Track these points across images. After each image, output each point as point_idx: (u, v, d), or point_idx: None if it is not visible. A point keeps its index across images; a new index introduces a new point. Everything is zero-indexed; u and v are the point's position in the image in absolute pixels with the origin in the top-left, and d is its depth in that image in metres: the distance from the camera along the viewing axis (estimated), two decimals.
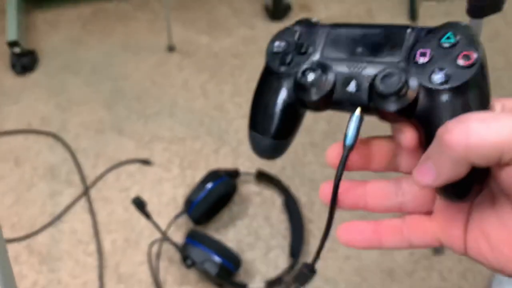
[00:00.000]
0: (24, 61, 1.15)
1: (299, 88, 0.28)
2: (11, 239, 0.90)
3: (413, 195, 0.28)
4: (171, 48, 1.21)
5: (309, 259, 0.87)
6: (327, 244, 0.28)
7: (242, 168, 0.97)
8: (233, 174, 0.95)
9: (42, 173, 1.00)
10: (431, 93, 0.25)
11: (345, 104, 0.27)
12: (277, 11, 1.28)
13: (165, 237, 0.86)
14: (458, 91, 0.24)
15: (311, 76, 0.27)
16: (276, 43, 0.31)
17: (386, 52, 0.27)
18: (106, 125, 1.08)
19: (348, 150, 0.27)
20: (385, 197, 0.28)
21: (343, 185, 0.28)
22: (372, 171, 0.29)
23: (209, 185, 0.89)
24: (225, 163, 1.01)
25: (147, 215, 0.80)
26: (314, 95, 0.28)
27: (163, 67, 1.19)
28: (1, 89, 1.14)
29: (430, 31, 0.26)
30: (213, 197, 0.89)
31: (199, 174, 0.98)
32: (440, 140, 0.22)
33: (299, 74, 0.28)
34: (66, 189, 0.98)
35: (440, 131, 0.22)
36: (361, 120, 0.27)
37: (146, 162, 1.01)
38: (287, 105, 0.30)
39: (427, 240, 0.27)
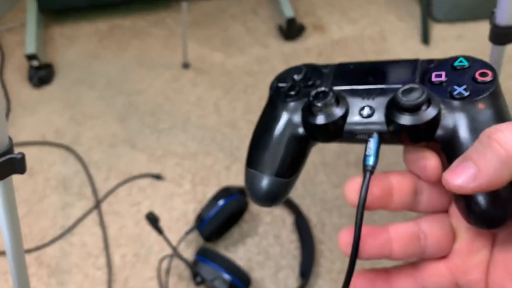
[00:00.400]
0: (41, 74, 1.17)
1: (308, 114, 0.26)
2: None
3: (434, 239, 0.25)
4: (185, 65, 1.23)
5: (319, 280, 0.86)
6: None
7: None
8: (245, 192, 0.95)
9: (55, 185, 1.01)
10: (454, 108, 0.23)
11: (359, 132, 0.25)
12: (290, 31, 1.29)
13: (175, 253, 0.85)
14: (482, 103, 0.23)
15: (321, 100, 0.25)
16: (282, 80, 0.30)
17: (399, 79, 0.26)
18: (119, 139, 1.09)
19: (370, 173, 0.24)
20: (410, 242, 0.25)
21: (363, 231, 0.25)
22: (391, 210, 0.27)
23: (221, 202, 0.89)
24: (236, 180, 1.01)
25: (159, 231, 0.80)
26: (325, 120, 0.26)
27: (177, 83, 1.20)
28: (18, 101, 1.15)
29: (441, 61, 0.26)
30: (224, 214, 0.89)
31: (210, 190, 0.98)
32: (488, 138, 0.20)
33: (310, 98, 0.26)
34: (77, 201, 0.98)
35: (488, 131, 0.21)
36: (379, 142, 0.25)
37: (157, 176, 1.01)
38: (293, 137, 0.28)
39: (443, 285, 0.25)
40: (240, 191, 0.93)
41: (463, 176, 0.20)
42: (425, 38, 1.28)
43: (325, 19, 1.37)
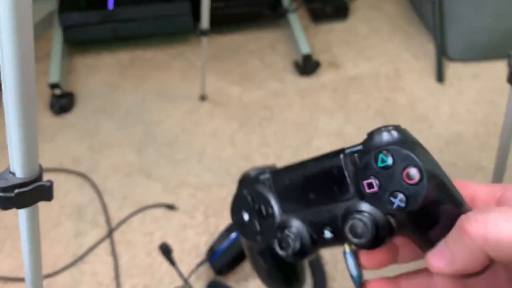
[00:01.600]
0: (63, 102, 1.20)
1: (286, 257, 0.29)
2: None
3: None
4: (203, 97, 1.25)
5: None
6: None
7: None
8: None
9: (69, 212, 1.01)
10: (402, 219, 0.25)
11: (332, 245, 0.28)
12: (306, 67, 1.32)
13: (186, 286, 0.84)
14: (424, 207, 0.24)
15: (288, 249, 0.28)
16: (238, 217, 0.32)
17: (336, 192, 0.27)
18: (135, 168, 1.10)
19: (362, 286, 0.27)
20: None
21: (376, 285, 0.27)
22: (399, 263, 0.28)
23: (233, 235, 0.89)
24: None
25: (172, 262, 0.80)
26: (299, 257, 0.28)
27: (194, 115, 1.22)
28: (39, 128, 1.17)
29: (362, 153, 0.25)
30: (236, 248, 0.88)
31: (223, 223, 0.98)
32: (460, 227, 0.22)
33: (277, 249, 0.29)
34: (91, 229, 0.98)
35: (461, 219, 0.22)
36: (355, 252, 0.27)
37: (171, 207, 1.02)
38: (273, 262, 0.32)
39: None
40: None
41: (440, 262, 0.23)
42: (440, 77, 1.29)
43: (340, 56, 1.39)
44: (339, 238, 0.27)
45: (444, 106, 1.24)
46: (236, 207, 0.32)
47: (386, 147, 0.24)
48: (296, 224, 0.28)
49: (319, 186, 0.27)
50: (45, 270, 0.92)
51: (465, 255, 0.22)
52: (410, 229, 0.25)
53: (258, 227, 0.30)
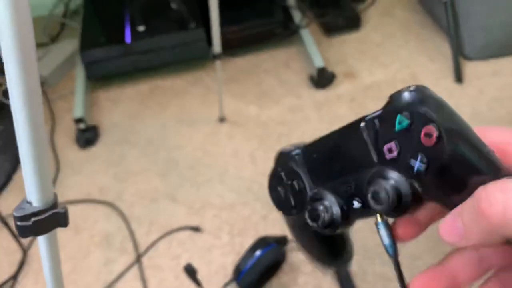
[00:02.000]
0: (87, 136, 1.24)
1: (318, 229, 0.29)
2: None
3: (499, 256, 0.25)
4: (222, 119, 1.27)
5: None
6: None
7: (291, 235, 0.95)
8: (282, 241, 0.94)
9: (99, 241, 1.04)
10: (426, 183, 0.23)
11: (363, 216, 0.28)
12: (321, 80, 1.32)
13: None
14: (447, 168, 0.22)
15: (318, 219, 0.28)
16: (274, 193, 0.33)
17: (360, 161, 0.26)
18: (160, 193, 1.12)
19: (396, 259, 0.27)
20: (473, 267, 0.26)
21: (424, 279, 0.26)
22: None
23: (258, 253, 0.88)
24: (273, 229, 1.00)
25: (198, 283, 0.80)
26: (331, 229, 0.28)
27: (214, 137, 1.24)
28: (66, 162, 1.23)
29: (381, 118, 0.25)
30: (262, 265, 0.88)
31: (248, 242, 0.98)
32: (477, 205, 0.20)
33: (309, 221, 0.29)
34: (119, 257, 1.01)
35: (479, 195, 0.20)
36: (386, 223, 0.27)
37: (196, 229, 1.03)
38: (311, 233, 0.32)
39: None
40: (277, 241, 0.92)
41: (452, 237, 0.22)
42: (458, 77, 1.27)
43: (355, 66, 1.39)
44: (367, 208, 0.26)
45: (465, 106, 1.21)
46: (272, 184, 0.33)
47: (404, 108, 0.23)
48: (326, 196, 0.28)
49: (343, 156, 0.27)
50: None
51: (480, 234, 0.20)
52: (436, 195, 0.23)
53: (292, 201, 0.31)
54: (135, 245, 1.02)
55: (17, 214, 0.36)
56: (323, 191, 0.29)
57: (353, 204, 0.27)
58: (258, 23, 1.45)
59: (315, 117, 1.25)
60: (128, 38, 1.39)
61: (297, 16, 1.48)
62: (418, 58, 1.37)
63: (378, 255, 0.93)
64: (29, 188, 0.36)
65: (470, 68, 1.31)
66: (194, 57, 1.44)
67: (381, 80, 1.33)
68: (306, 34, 1.43)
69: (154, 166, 1.19)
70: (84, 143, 1.24)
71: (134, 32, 1.40)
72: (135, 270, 0.98)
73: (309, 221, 0.28)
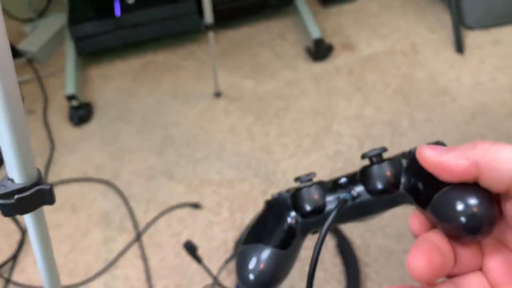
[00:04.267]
0: (81, 113, 1.21)
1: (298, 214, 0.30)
2: (68, 286, 0.92)
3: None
4: (217, 94, 1.25)
5: None
6: None
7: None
8: None
9: (97, 220, 1.03)
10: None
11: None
12: (319, 52, 1.29)
13: (216, 282, 0.84)
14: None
15: (307, 203, 0.29)
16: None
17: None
18: (157, 171, 1.10)
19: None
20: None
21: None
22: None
23: None
24: None
25: (198, 260, 0.80)
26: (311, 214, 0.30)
27: (210, 112, 1.22)
28: (60, 140, 1.20)
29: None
30: None
31: (248, 217, 0.97)
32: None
33: (297, 204, 0.30)
34: (119, 235, 1.00)
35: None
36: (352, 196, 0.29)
37: (196, 206, 1.02)
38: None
39: None
40: None
41: (431, 151, 0.24)
42: (459, 47, 1.24)
43: (353, 37, 1.36)
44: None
45: (466, 76, 1.20)
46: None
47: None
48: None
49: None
50: (79, 277, 0.94)
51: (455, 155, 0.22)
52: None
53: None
54: (135, 223, 1.00)
55: None
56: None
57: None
58: None
59: (313, 91, 1.22)
60: (117, 11, 1.34)
61: None
62: (418, 29, 1.34)
63: (380, 228, 0.92)
64: (9, 165, 0.34)
65: (471, 37, 1.29)
66: (186, 30, 1.40)
67: (380, 51, 1.30)
68: (302, 4, 1.39)
69: (150, 144, 1.17)
70: (78, 121, 1.21)
71: (124, 5, 1.35)
72: (135, 248, 0.97)
73: (297, 194, 0.29)
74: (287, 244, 0.29)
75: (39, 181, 0.34)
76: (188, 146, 1.15)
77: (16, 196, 0.33)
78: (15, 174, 0.33)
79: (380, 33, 1.35)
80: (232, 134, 1.16)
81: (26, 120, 0.32)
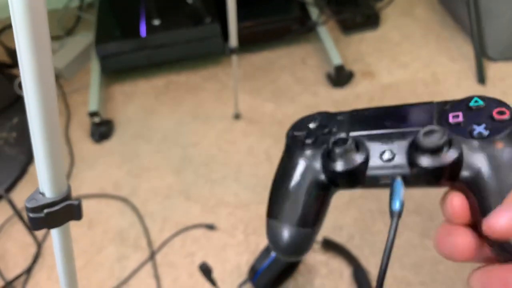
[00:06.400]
0: (102, 130, 1.23)
1: (329, 161, 0.26)
2: None
3: None
4: (237, 116, 1.26)
5: None
6: None
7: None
8: None
9: (112, 237, 1.03)
10: (475, 148, 0.23)
11: (382, 176, 0.26)
12: (339, 78, 1.30)
13: None
14: (503, 142, 0.23)
15: (341, 146, 0.26)
16: (298, 128, 0.30)
17: (417, 122, 0.26)
18: (174, 190, 1.11)
19: (398, 217, 0.26)
20: None
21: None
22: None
23: (274, 253, 0.87)
24: None
25: (213, 282, 0.79)
26: (346, 166, 0.26)
27: (229, 134, 1.22)
28: (80, 156, 1.22)
29: (455, 102, 0.26)
30: (278, 266, 0.86)
31: (263, 241, 0.96)
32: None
33: (329, 145, 0.26)
34: (133, 253, 0.99)
35: None
36: (403, 185, 0.26)
37: (211, 227, 1.01)
38: (312, 185, 0.28)
39: None
40: None
41: (502, 220, 0.20)
42: (481, 78, 1.24)
43: (374, 65, 1.36)
44: (395, 167, 0.25)
45: None
46: (298, 123, 0.31)
47: (482, 96, 0.25)
48: (359, 142, 0.27)
49: (398, 116, 0.27)
50: None
51: None
52: (477, 175, 0.23)
53: (313, 138, 0.29)
54: (149, 242, 1.00)
55: (30, 205, 0.35)
56: (357, 136, 0.27)
57: (383, 154, 0.26)
58: (274, 19, 1.43)
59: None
60: (143, 32, 1.38)
61: (314, 12, 1.45)
62: (439, 59, 1.34)
63: (398, 258, 0.91)
64: (42, 178, 0.35)
65: (493, 69, 1.28)
66: (209, 52, 1.43)
67: (400, 80, 1.30)
68: (323, 31, 1.41)
69: (169, 162, 1.18)
70: (99, 137, 1.23)
71: (149, 26, 1.39)
72: (148, 267, 0.97)
73: (331, 145, 0.26)
74: (313, 223, 0.29)
75: (69, 196, 0.35)
76: (206, 166, 1.15)
77: (45, 210, 0.34)
78: (47, 188, 0.34)
79: (401, 62, 1.36)
80: (250, 156, 1.16)
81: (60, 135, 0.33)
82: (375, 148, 0.26)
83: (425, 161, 0.24)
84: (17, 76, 1.43)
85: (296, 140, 0.29)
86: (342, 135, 0.27)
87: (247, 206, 1.05)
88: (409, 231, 0.95)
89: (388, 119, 0.27)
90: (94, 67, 1.39)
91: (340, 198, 1.02)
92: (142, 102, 1.36)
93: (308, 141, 0.28)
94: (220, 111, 1.29)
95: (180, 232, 1.01)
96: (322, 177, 0.27)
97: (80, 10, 1.66)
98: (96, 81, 1.34)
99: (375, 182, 0.26)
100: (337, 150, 0.26)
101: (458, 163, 0.23)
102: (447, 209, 0.24)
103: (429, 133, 0.24)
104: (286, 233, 0.28)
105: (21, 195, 1.13)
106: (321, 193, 0.28)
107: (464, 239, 0.23)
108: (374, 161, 0.26)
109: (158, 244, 1.00)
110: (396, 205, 0.25)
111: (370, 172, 0.26)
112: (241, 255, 0.96)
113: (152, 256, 0.98)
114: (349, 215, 0.99)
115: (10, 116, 1.30)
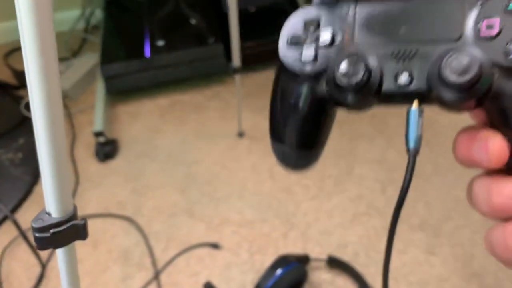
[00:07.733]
0: (107, 150, 1.24)
1: (336, 87, 0.23)
2: None
3: None
4: (240, 134, 1.26)
5: None
6: None
7: (312, 254, 0.93)
8: (303, 260, 0.92)
9: (117, 256, 1.03)
10: (509, 76, 0.20)
11: (397, 98, 0.22)
12: None
13: None
14: None
15: (352, 79, 0.22)
16: (292, 32, 0.24)
17: (440, 28, 0.21)
18: (178, 208, 1.11)
19: (414, 155, 0.22)
20: None
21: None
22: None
23: (279, 272, 0.86)
24: (294, 247, 0.98)
25: None
26: (357, 98, 0.22)
27: (233, 152, 1.23)
28: (85, 175, 1.23)
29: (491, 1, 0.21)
30: (283, 285, 0.86)
31: (268, 259, 0.96)
32: None
33: (337, 73, 0.22)
34: (137, 272, 0.99)
35: None
36: (421, 113, 0.22)
37: (215, 246, 1.01)
38: (313, 104, 0.24)
39: None
40: (298, 260, 0.90)
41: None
42: None
43: None
44: (412, 88, 0.21)
45: None
46: (293, 27, 0.24)
47: None
48: (370, 57, 0.22)
49: (417, 18, 0.22)
50: None
51: None
52: (506, 101, 0.20)
53: (312, 53, 0.23)
54: (153, 261, 1.00)
55: (36, 225, 0.35)
56: (368, 52, 0.22)
57: (398, 77, 0.22)
58: (276, 39, 1.44)
59: (336, 133, 1.22)
60: (147, 53, 1.40)
61: None
62: None
63: (403, 276, 0.90)
64: (48, 199, 0.35)
65: None
66: (213, 72, 1.44)
67: None
68: None
69: (173, 181, 1.18)
70: (104, 157, 1.24)
71: (154, 47, 1.41)
72: (153, 287, 0.96)
73: (339, 74, 0.22)
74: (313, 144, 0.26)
75: (74, 216, 0.35)
76: (210, 185, 1.15)
77: (52, 230, 0.34)
78: (53, 208, 0.34)
79: None
80: (253, 173, 1.16)
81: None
82: (389, 68, 0.22)
83: (451, 95, 0.21)
84: (23, 97, 1.45)
85: (292, 55, 0.24)
86: (346, 51, 0.23)
87: (251, 224, 1.04)
88: (414, 247, 0.95)
89: (404, 22, 0.22)
90: (99, 88, 1.40)
91: (344, 215, 1.02)
92: (147, 122, 1.37)
93: (307, 60, 0.24)
94: (224, 129, 1.30)
95: (185, 251, 1.01)
96: (322, 94, 0.24)
97: (85, 32, 1.69)
98: (101, 101, 1.36)
99: (389, 102, 0.23)
100: (348, 83, 0.22)
101: (485, 95, 0.20)
102: (481, 153, 0.21)
103: (455, 62, 0.20)
104: (288, 154, 0.27)
105: (26, 216, 1.14)
106: (319, 114, 0.25)
107: (498, 140, 0.21)
108: (388, 85, 0.22)
109: (162, 264, 1.00)
110: (411, 143, 0.22)
111: (384, 93, 0.22)
112: (246, 274, 0.95)
113: (156, 275, 0.97)
114: (354, 233, 0.98)
115: (16, 137, 1.31)
